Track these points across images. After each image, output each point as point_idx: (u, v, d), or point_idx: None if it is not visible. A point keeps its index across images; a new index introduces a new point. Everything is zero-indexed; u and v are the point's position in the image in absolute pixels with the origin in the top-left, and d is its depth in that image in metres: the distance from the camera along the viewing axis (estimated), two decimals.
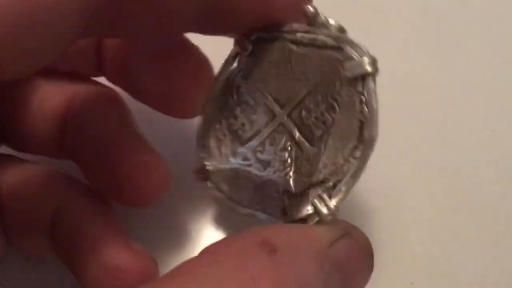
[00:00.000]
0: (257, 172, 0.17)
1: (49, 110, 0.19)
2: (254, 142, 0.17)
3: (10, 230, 0.18)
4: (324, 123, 0.16)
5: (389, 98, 0.24)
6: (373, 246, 0.20)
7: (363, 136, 0.15)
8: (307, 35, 0.17)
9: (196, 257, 0.13)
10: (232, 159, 0.18)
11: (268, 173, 0.17)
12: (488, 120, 0.24)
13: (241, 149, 0.18)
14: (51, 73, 0.19)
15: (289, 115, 0.17)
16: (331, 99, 0.16)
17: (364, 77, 0.15)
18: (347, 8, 0.27)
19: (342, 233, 0.15)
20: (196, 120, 0.18)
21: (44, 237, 0.18)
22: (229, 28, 0.17)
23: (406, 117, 0.24)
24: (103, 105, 0.19)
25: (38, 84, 0.19)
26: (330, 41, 0.16)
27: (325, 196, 0.16)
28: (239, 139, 0.18)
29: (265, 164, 0.17)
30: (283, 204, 0.17)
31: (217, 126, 0.18)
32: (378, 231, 0.21)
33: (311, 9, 0.16)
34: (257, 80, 0.17)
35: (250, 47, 0.17)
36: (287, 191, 0.16)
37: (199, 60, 0.19)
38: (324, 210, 0.16)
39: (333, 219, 0.16)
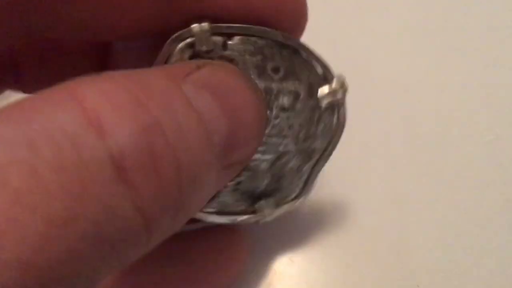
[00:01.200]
0: None
1: None
2: None
3: None
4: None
5: (391, 101, 0.24)
6: (378, 249, 0.21)
7: None
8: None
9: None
10: None
11: None
12: (492, 125, 0.24)
13: None
14: None
15: None
16: None
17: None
18: (347, 8, 0.28)
19: (199, 63, 0.13)
20: None
21: None
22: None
23: (409, 122, 0.24)
24: None
25: None
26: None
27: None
28: None
29: None
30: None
31: None
32: (384, 234, 0.21)
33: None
34: None
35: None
36: None
37: None
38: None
39: None
